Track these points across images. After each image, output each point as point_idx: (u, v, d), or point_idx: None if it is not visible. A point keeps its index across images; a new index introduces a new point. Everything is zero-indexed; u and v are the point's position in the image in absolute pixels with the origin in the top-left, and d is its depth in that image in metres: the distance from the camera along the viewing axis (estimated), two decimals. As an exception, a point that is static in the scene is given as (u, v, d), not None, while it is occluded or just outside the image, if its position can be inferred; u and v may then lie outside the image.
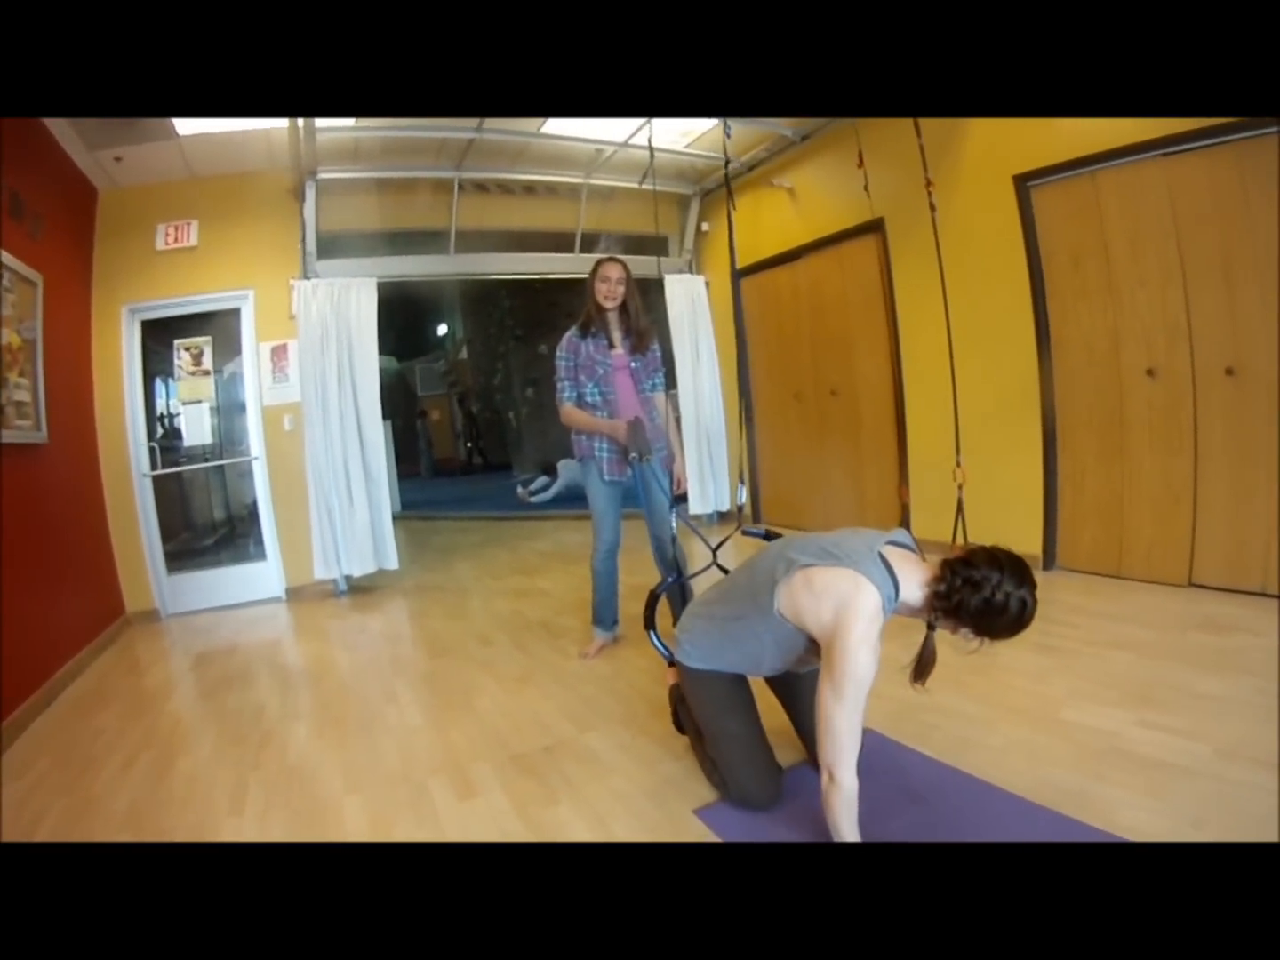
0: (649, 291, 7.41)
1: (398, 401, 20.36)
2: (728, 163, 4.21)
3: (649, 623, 3.11)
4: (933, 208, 3.66)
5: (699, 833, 2.24)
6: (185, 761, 3.16)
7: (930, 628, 1.94)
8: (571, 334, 3.83)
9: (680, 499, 3.73)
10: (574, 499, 3.76)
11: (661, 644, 3.00)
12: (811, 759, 2.49)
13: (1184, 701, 2.78)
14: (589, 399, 3.82)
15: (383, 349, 19.16)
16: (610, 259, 3.80)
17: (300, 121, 4.64)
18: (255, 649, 4.93)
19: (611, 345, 3.84)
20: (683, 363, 7.49)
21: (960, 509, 3.50)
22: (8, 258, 3.93)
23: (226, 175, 5.83)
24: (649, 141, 4.55)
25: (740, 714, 2.37)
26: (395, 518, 11.62)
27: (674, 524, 3.80)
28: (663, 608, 3.39)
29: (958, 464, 3.55)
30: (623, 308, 3.81)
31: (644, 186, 4.59)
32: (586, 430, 3.79)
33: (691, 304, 7.49)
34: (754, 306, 7.39)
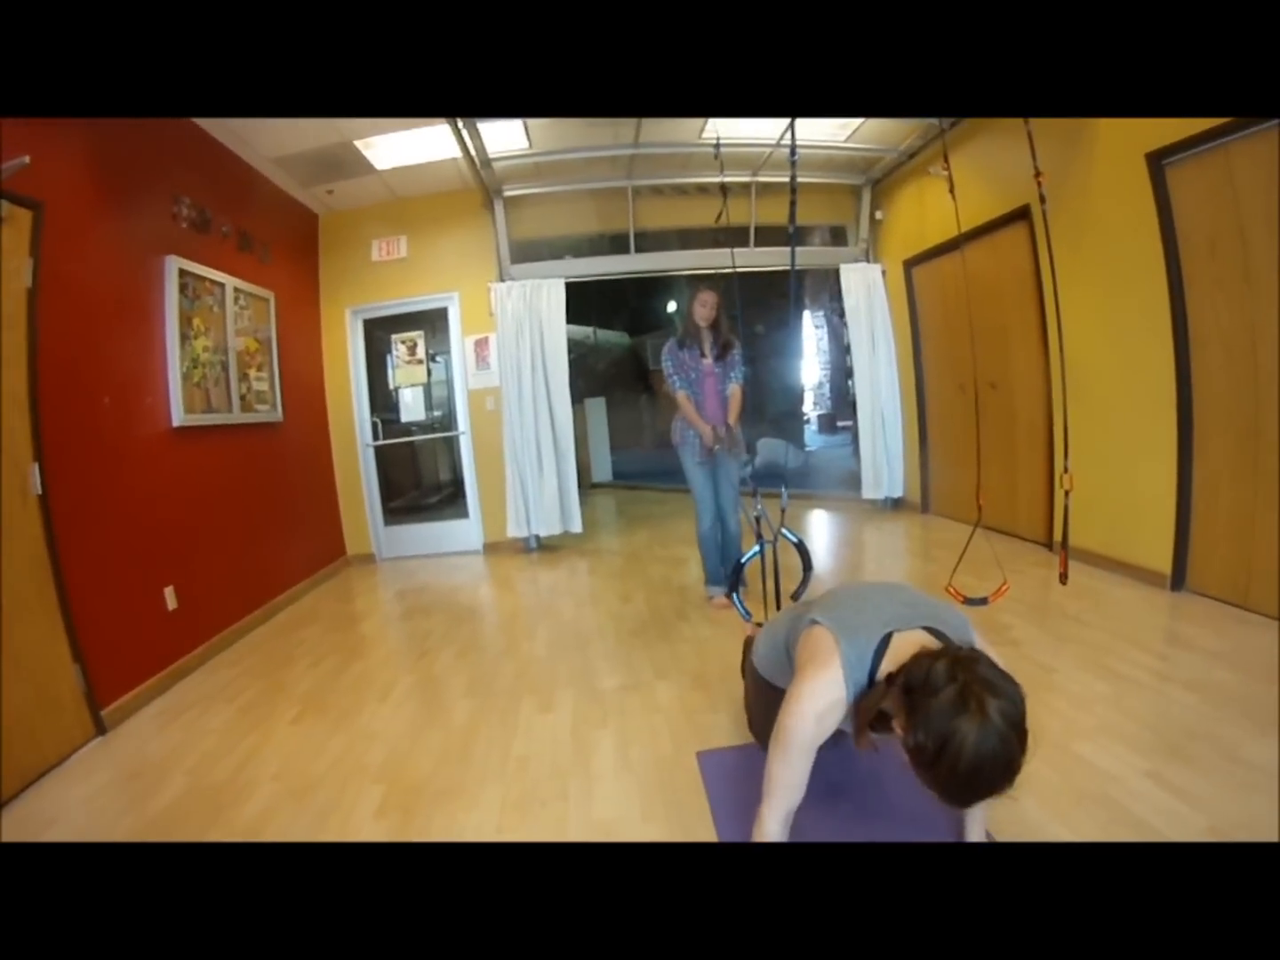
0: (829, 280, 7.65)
1: (629, 374, 21.25)
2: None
3: (733, 586, 3.70)
4: (1042, 199, 3.44)
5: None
6: (358, 664, 4.18)
7: (889, 681, 1.63)
8: (672, 343, 4.67)
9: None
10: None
11: (742, 605, 3.56)
12: None
13: (1215, 764, 2.44)
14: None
15: (616, 325, 19.93)
16: (706, 287, 4.59)
17: (472, 152, 5.50)
18: (443, 590, 5.94)
19: (703, 355, 4.61)
20: (859, 350, 7.60)
21: (1065, 518, 3.40)
22: (240, 283, 5.17)
23: (426, 195, 6.84)
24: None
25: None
26: (604, 486, 12.45)
27: (740, 512, 4.65)
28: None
29: (1065, 469, 3.38)
30: (714, 324, 4.60)
31: (721, 181, 5.02)
32: (689, 417, 4.53)
33: (868, 292, 7.53)
34: (924, 295, 7.25)
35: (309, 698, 3.72)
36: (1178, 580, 4.28)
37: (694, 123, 5.85)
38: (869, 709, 1.66)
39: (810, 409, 19.47)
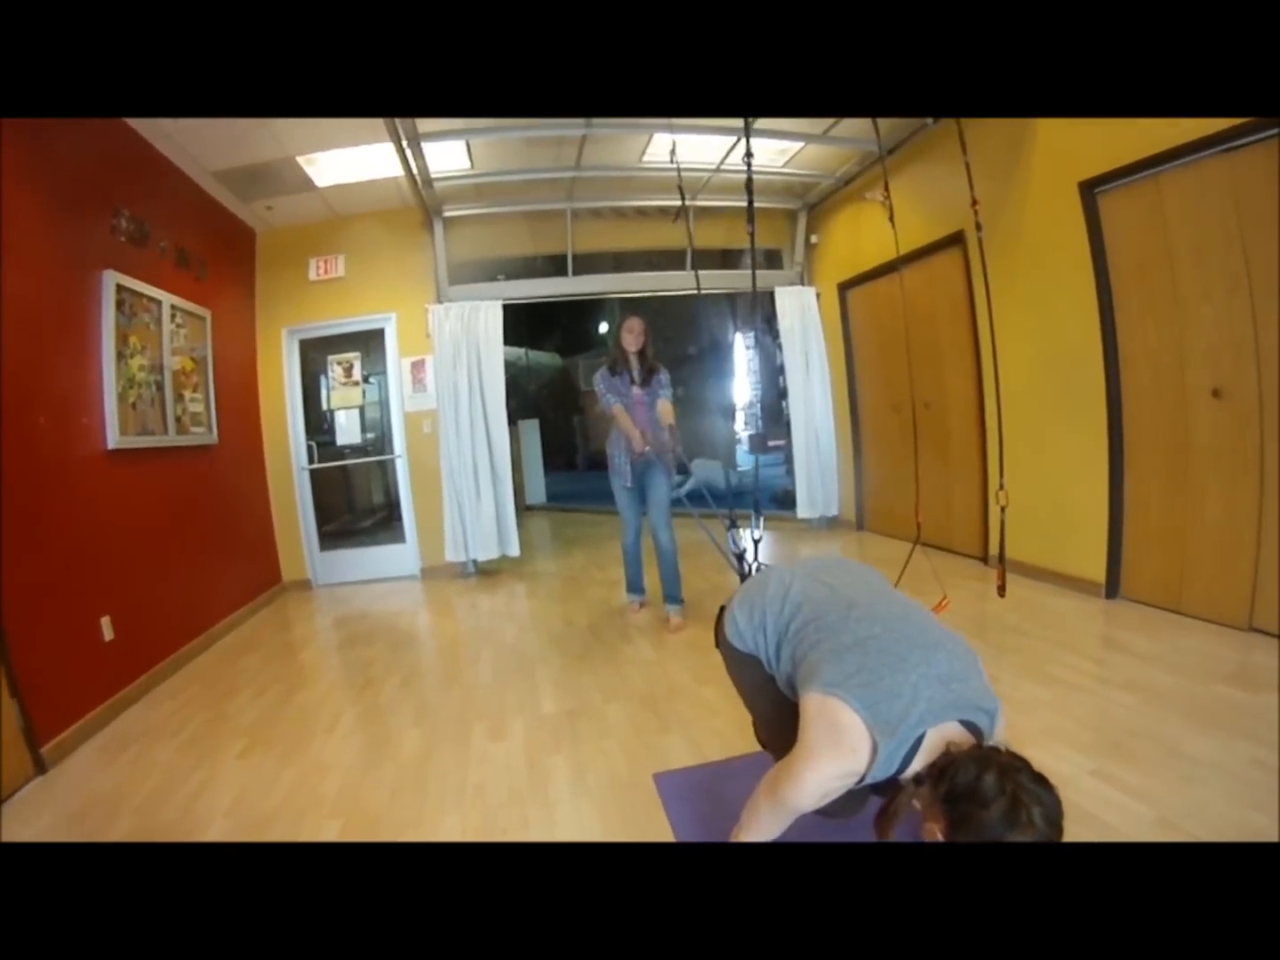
0: (763, 304, 7.86)
1: (560, 396, 21.31)
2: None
3: (720, 639, 2.78)
4: (979, 226, 3.59)
5: (648, 792, 2.68)
6: (302, 694, 4.09)
7: (918, 781, 1.58)
8: (604, 370, 4.77)
9: (692, 499, 4.39)
10: (703, 496, 4.35)
11: None
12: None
13: (1158, 759, 2.58)
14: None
15: (548, 346, 20.03)
16: (634, 314, 4.74)
17: (415, 171, 5.46)
18: (383, 616, 5.84)
19: (633, 381, 4.72)
20: (793, 372, 7.75)
21: (1001, 532, 3.50)
22: (177, 300, 5.03)
23: (366, 214, 6.79)
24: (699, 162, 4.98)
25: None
26: (538, 509, 12.43)
27: (672, 529, 4.76)
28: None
29: (1001, 486, 3.45)
30: (641, 351, 4.73)
31: (683, 205, 5.09)
32: (623, 425, 4.62)
33: (803, 314, 7.70)
34: (858, 318, 7.45)
35: (255, 729, 3.62)
36: (1112, 588, 4.51)
37: (636, 145, 5.91)
38: (897, 813, 1.62)
39: (741, 429, 19.72)
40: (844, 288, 7.50)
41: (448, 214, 6.69)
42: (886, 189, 4.29)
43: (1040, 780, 1.42)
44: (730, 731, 3.12)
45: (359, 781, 2.97)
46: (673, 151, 4.79)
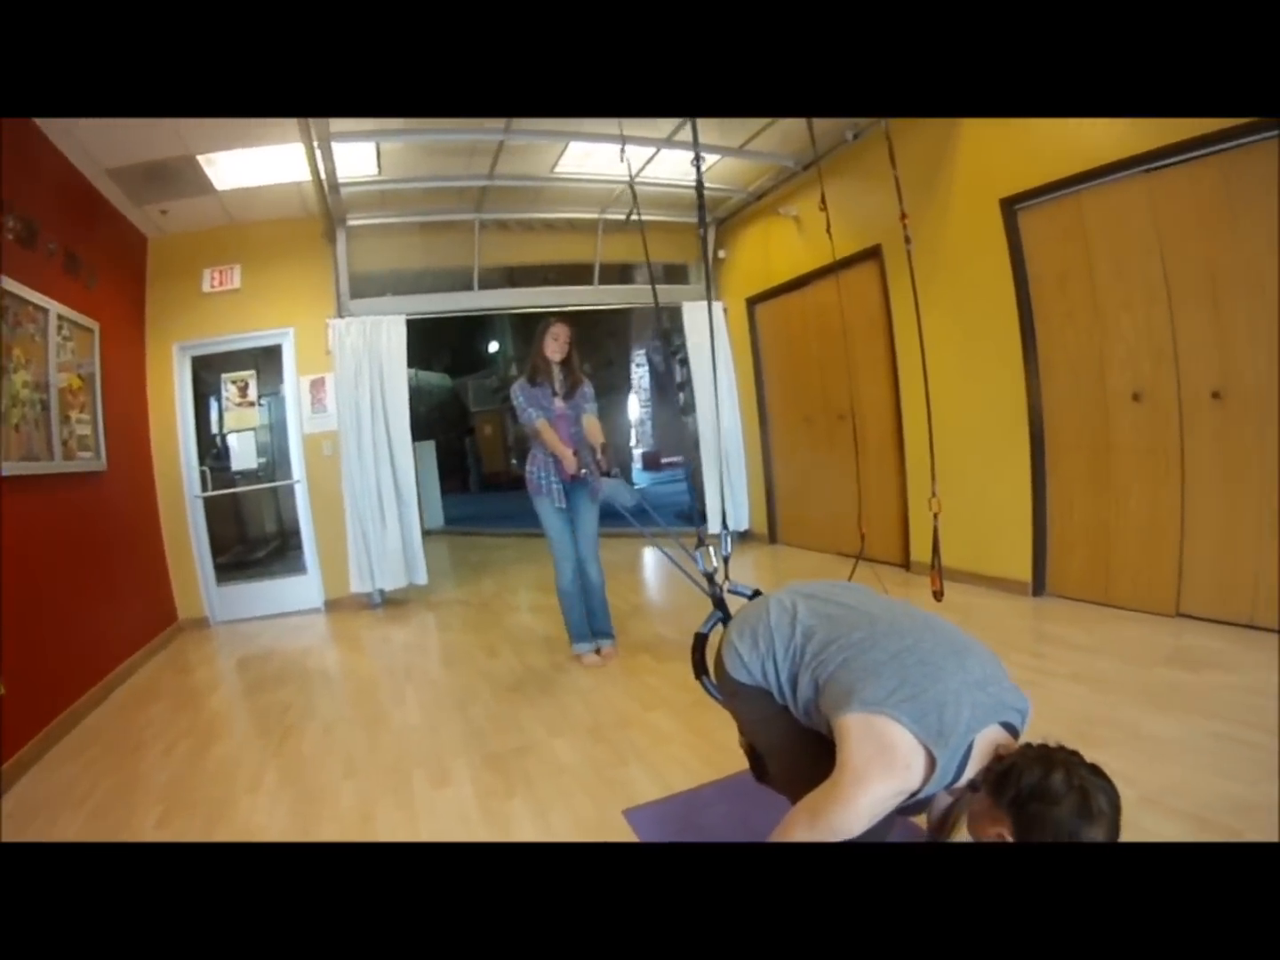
0: (670, 319, 7.87)
1: (451, 417, 20.98)
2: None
3: (700, 669, 2.46)
4: (908, 240, 3.61)
5: (622, 830, 2.54)
6: (218, 748, 3.69)
7: (973, 788, 1.58)
8: (523, 381, 4.42)
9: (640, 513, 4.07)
10: (606, 515, 4.13)
11: (715, 689, 2.57)
12: None
13: (1123, 741, 2.67)
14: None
15: (436, 366, 19.77)
16: (560, 319, 4.42)
17: (322, 174, 5.11)
18: (291, 654, 5.42)
19: (555, 393, 4.40)
20: (702, 387, 7.79)
21: (936, 539, 3.65)
22: (65, 310, 4.51)
23: (264, 222, 6.35)
24: (629, 173, 4.77)
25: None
26: (437, 533, 12.14)
27: (599, 560, 4.51)
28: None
29: (933, 493, 3.63)
30: (565, 360, 4.41)
31: (638, 219, 4.91)
32: (550, 444, 4.26)
33: (710, 330, 7.71)
34: (768, 332, 7.61)
35: (170, 792, 3.21)
36: (1038, 586, 4.73)
37: (548, 156, 5.77)
38: (956, 822, 1.66)
39: (633, 446, 19.72)
40: (752, 302, 7.64)
41: (352, 223, 6.35)
42: (823, 200, 4.26)
43: (1096, 770, 1.42)
44: (691, 759, 3.01)
45: (300, 846, 2.65)
46: (622, 147, 4.63)
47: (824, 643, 1.80)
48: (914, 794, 1.57)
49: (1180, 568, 4.01)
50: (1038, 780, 1.39)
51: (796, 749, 1.93)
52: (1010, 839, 1.41)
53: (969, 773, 1.56)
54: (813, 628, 1.86)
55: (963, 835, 1.67)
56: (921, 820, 2.07)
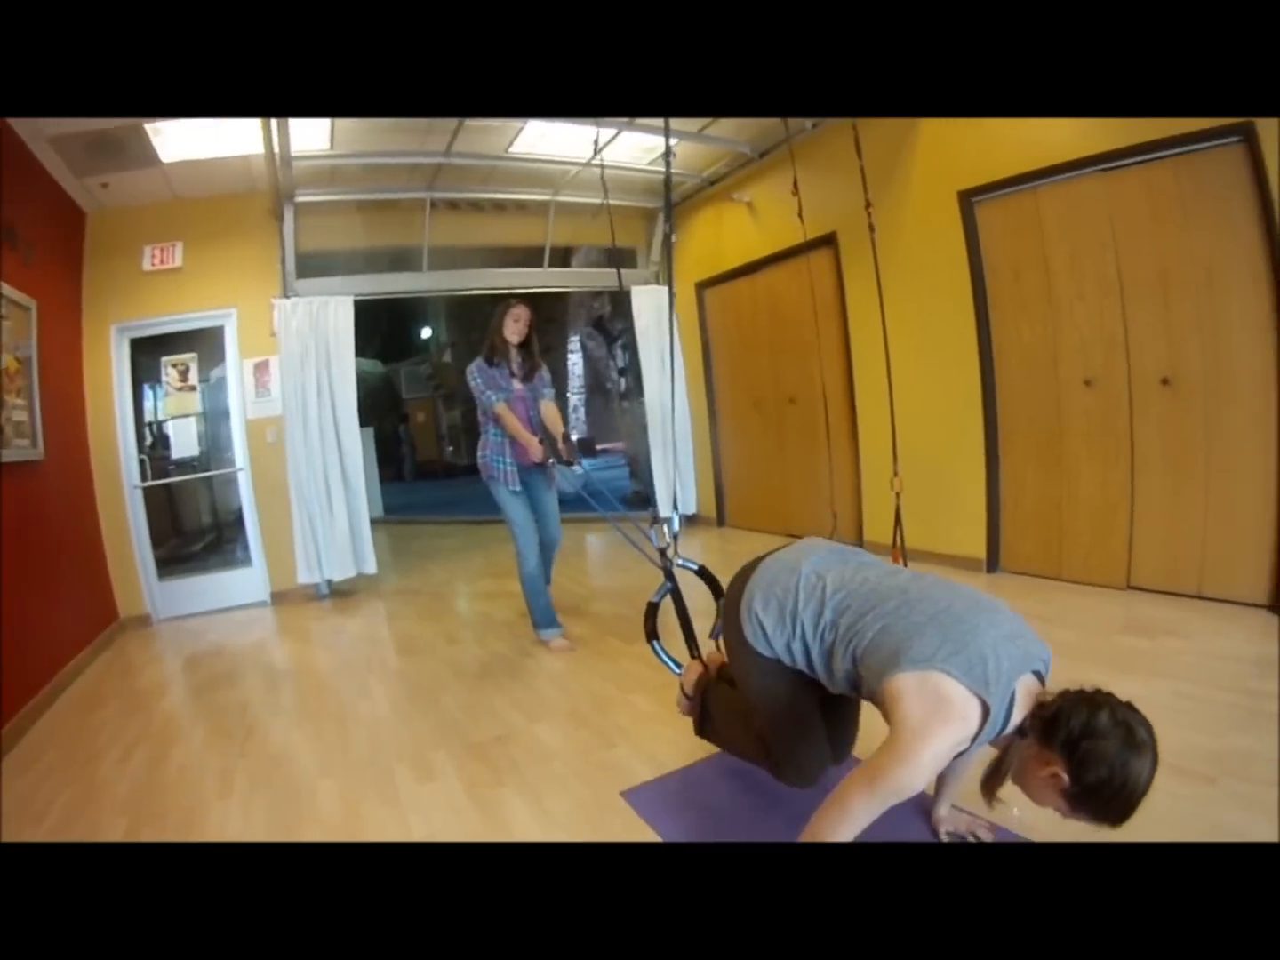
0: (620, 301, 7.81)
1: (383, 404, 20.60)
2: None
3: (652, 634, 2.92)
4: (871, 228, 3.89)
5: (624, 811, 2.51)
6: (178, 752, 3.46)
7: (1021, 734, 1.68)
8: (480, 361, 4.32)
9: (644, 503, 4.11)
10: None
11: (667, 656, 2.92)
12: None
13: None
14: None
15: (368, 353, 19.36)
16: (520, 301, 4.35)
17: (276, 148, 4.87)
18: (241, 650, 5.19)
19: (513, 375, 4.34)
20: (649, 371, 7.82)
21: (898, 517, 3.77)
22: (3, 287, 4.18)
23: (209, 198, 6.04)
24: (600, 159, 4.93)
25: (808, 695, 2.14)
26: (377, 522, 11.95)
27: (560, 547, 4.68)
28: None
29: (895, 473, 3.76)
30: (524, 343, 4.36)
31: (605, 203, 4.86)
32: (513, 430, 4.19)
33: (658, 314, 7.70)
34: (716, 317, 7.68)
35: (134, 803, 2.97)
36: (993, 563, 4.95)
37: (504, 135, 5.62)
38: (1009, 766, 1.70)
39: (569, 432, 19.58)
40: (701, 286, 7.71)
41: (300, 199, 6.05)
42: (795, 186, 4.51)
43: (1132, 707, 1.58)
44: (680, 738, 2.95)
45: (285, 853, 2.50)
46: (595, 147, 4.59)
47: (858, 615, 1.87)
48: (970, 743, 1.66)
49: (1130, 543, 4.26)
50: (1086, 720, 1.53)
51: (784, 712, 2.15)
52: (1065, 777, 1.53)
53: (1014, 720, 1.67)
54: (844, 603, 1.93)
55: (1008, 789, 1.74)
56: (930, 786, 2.11)
